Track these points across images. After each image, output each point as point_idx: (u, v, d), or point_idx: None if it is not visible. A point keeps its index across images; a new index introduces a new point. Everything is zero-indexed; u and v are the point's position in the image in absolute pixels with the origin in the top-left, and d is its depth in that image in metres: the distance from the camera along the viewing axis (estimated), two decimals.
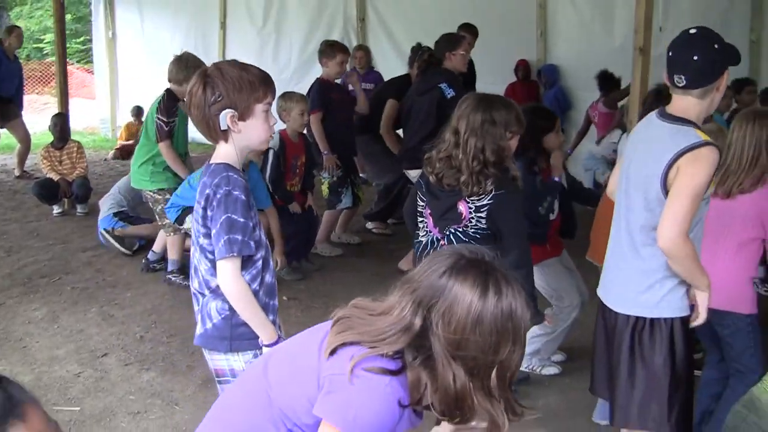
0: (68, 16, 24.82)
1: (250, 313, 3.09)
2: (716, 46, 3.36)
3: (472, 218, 4.12)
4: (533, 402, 4.61)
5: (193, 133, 13.61)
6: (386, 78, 11.04)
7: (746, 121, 4.12)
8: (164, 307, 6.44)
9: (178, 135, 6.93)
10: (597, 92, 11.48)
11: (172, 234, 6.88)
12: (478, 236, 4.12)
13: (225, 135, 3.09)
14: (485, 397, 2.14)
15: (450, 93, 7.08)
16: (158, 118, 6.76)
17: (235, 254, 3.00)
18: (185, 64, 6.70)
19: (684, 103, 3.40)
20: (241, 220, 3.02)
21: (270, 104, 3.16)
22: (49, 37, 23.46)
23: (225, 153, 3.14)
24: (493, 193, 4.04)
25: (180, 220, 6.41)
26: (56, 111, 11.16)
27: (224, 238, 2.99)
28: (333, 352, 2.19)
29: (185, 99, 3.20)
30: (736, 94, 9.09)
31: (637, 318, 3.50)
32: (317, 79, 7.99)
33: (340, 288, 6.97)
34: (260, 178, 6.67)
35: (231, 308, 3.10)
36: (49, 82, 21.32)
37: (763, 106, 4.35)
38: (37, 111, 18.20)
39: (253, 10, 14.86)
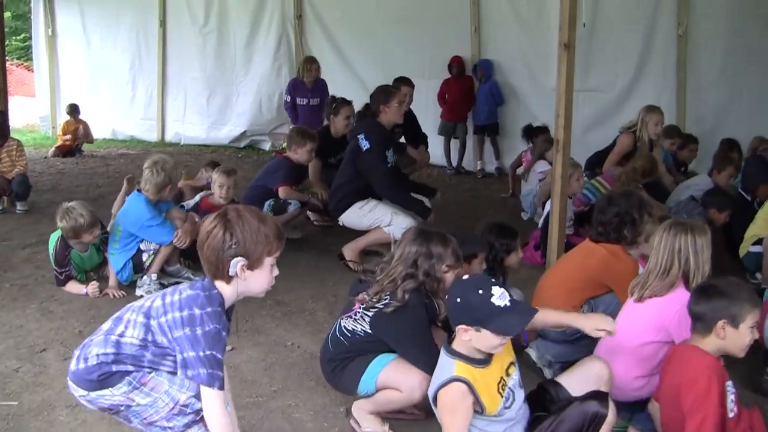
0: (8, 14, 24.53)
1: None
2: None
3: (358, 313, 4.47)
4: None
5: (132, 131, 13.56)
6: (329, 84, 11.36)
7: (664, 230, 4.38)
8: (103, 302, 6.47)
9: (86, 260, 6.90)
10: (533, 86, 11.83)
11: None
12: (358, 337, 4.43)
13: (229, 279, 3.28)
14: None
15: (365, 145, 7.27)
16: (53, 267, 6.73)
17: (217, 388, 3.21)
18: (84, 218, 6.53)
19: None
20: (220, 356, 3.23)
21: (276, 257, 3.37)
22: None
23: (222, 289, 3.34)
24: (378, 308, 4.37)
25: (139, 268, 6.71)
26: None
27: (207, 371, 3.19)
28: None
29: (199, 237, 3.36)
30: (679, 150, 9.38)
31: None
32: (287, 158, 8.17)
33: (277, 279, 7.05)
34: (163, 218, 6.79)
35: (114, 355, 3.35)
36: None
37: (685, 219, 4.64)
38: None
39: (194, 8, 14.92)
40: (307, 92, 11.20)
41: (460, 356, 3.58)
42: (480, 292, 3.49)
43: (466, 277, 3.71)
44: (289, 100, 11.38)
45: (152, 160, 6.77)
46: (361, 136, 7.32)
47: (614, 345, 4.29)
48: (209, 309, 3.22)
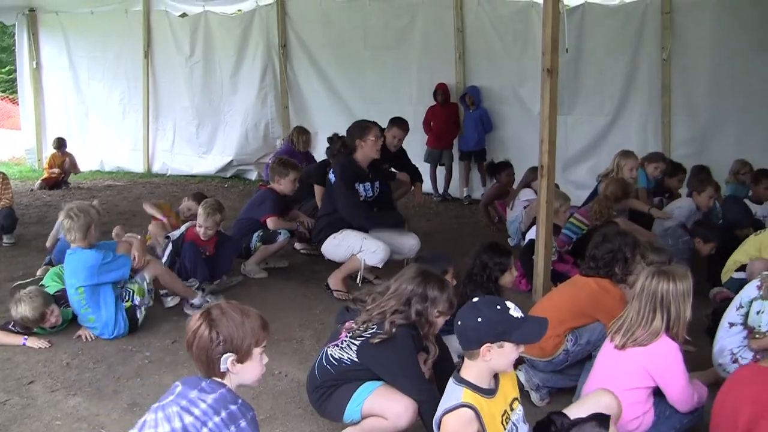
0: None
1: None
2: None
3: (345, 341, 4.47)
4: None
5: (121, 163, 13.49)
6: (315, 111, 11.25)
7: (647, 277, 4.38)
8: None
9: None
10: (518, 112, 11.89)
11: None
12: (344, 365, 4.43)
13: (222, 375, 3.31)
14: None
15: (332, 179, 7.55)
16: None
17: None
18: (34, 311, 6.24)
19: None
20: None
21: (265, 346, 3.39)
22: None
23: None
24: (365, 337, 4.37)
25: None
26: None
27: None
28: None
29: (186, 337, 3.34)
30: (668, 178, 9.37)
31: None
32: (271, 190, 8.26)
33: (263, 308, 7.00)
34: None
35: None
36: None
37: (667, 266, 4.65)
38: None
39: (180, 39, 14.95)
40: (299, 158, 11.09)
41: (469, 384, 3.60)
42: (498, 307, 3.56)
43: (475, 299, 3.73)
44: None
45: (67, 208, 6.41)
46: (330, 170, 7.65)
47: (608, 384, 4.28)
48: (240, 400, 3.27)
